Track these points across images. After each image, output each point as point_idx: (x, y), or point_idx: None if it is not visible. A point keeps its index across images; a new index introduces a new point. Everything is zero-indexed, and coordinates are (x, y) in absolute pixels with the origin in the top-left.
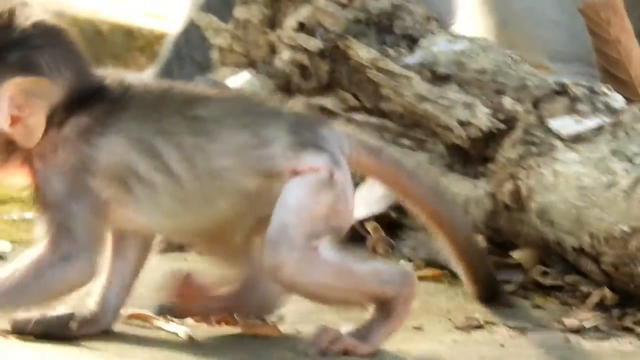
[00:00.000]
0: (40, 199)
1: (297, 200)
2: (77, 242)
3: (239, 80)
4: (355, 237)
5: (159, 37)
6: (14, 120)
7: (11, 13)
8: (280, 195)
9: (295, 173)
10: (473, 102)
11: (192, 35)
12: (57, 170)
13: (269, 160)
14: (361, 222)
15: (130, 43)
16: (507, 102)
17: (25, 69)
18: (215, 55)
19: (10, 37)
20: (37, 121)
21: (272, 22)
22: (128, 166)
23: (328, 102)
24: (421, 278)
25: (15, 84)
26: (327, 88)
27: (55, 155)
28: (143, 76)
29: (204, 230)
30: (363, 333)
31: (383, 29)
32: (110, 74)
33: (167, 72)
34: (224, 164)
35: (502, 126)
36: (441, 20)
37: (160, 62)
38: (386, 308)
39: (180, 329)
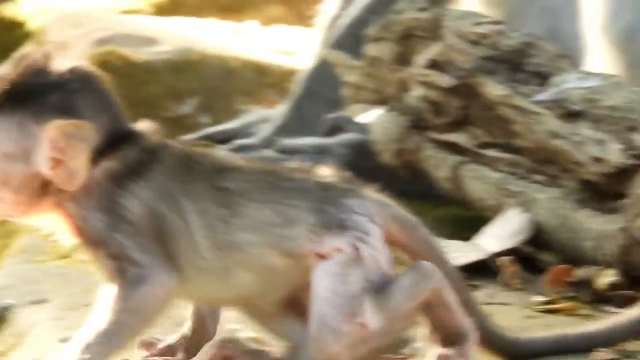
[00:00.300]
0: (86, 241)
1: (326, 290)
2: (140, 263)
3: (370, 117)
4: (487, 270)
5: (289, 74)
6: (55, 163)
7: (47, 57)
8: (312, 286)
9: (319, 256)
10: (605, 139)
11: (323, 72)
12: (92, 210)
13: (292, 241)
14: (494, 256)
15: (260, 79)
16: (639, 138)
17: (64, 112)
18: (346, 92)
19: (48, 81)
20: (79, 164)
21: (403, 59)
22: (157, 215)
23: (460, 138)
24: (556, 311)
25: (56, 126)
26: (458, 124)
27: (87, 198)
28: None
29: (227, 300)
30: (459, 351)
31: (514, 66)
32: (144, 126)
33: (297, 108)
34: (246, 239)
35: (634, 162)
36: (572, 58)
37: (291, 99)
38: (432, 311)
39: None
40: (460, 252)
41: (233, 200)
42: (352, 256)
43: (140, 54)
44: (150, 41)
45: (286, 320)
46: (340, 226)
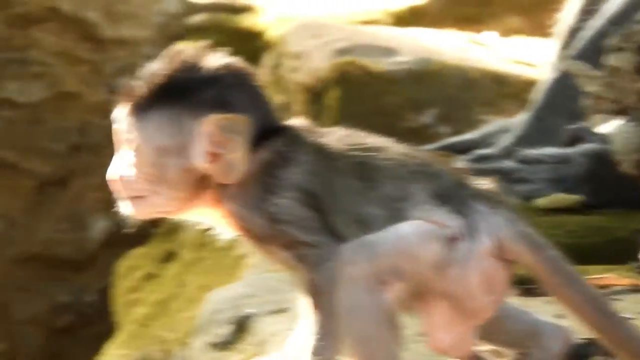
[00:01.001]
0: (253, 237)
1: (406, 231)
2: (314, 243)
3: (610, 127)
4: None
5: (529, 84)
6: (212, 157)
7: (201, 53)
8: None
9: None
10: None
11: (564, 83)
12: (251, 206)
13: (404, 211)
14: None
15: (500, 90)
16: None
17: (219, 107)
18: (586, 102)
19: (203, 76)
20: (237, 157)
21: None
22: (312, 195)
23: None
24: None
25: (213, 120)
26: None
27: (245, 194)
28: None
29: None
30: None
31: None
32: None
33: (538, 119)
34: (371, 212)
35: None
36: None
37: (532, 109)
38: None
39: None
40: None
41: (370, 174)
42: (447, 236)
43: (380, 64)
44: (389, 52)
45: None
46: (455, 210)
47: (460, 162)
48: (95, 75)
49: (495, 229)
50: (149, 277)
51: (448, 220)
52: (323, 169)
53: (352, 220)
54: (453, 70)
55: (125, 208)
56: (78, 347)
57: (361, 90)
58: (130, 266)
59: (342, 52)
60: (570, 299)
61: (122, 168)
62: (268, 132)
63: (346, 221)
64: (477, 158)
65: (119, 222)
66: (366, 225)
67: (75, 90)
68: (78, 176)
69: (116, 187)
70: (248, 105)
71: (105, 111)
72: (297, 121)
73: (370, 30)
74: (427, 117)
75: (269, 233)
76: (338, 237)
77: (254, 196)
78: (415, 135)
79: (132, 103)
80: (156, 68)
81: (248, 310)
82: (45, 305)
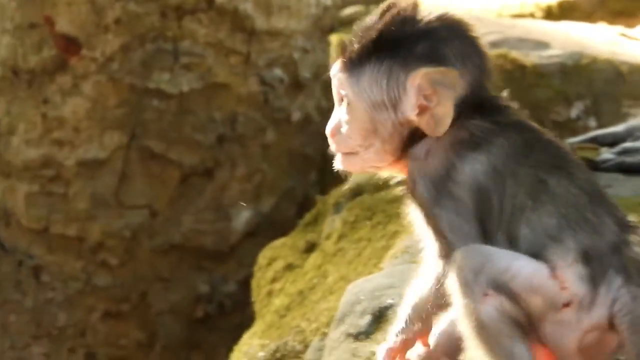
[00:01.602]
0: (417, 204)
1: (522, 267)
2: (451, 243)
3: None
4: None
5: None
6: (421, 110)
7: (415, 6)
8: None
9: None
10: None
11: None
12: (426, 176)
13: (546, 250)
14: None
15: None
16: None
17: (432, 60)
18: None
19: (416, 29)
20: (446, 111)
21: None
22: (484, 191)
23: None
24: None
25: (424, 73)
26: None
27: (426, 160)
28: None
29: None
30: None
31: None
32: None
33: None
34: (523, 233)
35: None
36: None
37: None
38: None
39: None
40: None
41: (541, 197)
42: (563, 292)
43: (531, 57)
44: (541, 45)
45: None
46: (588, 275)
47: (605, 154)
48: (246, 66)
49: (617, 307)
50: (290, 267)
51: (573, 283)
52: (506, 169)
53: (504, 232)
54: (603, 64)
55: (338, 163)
56: (216, 337)
57: (512, 83)
58: (272, 257)
59: (494, 44)
60: None
61: (337, 124)
62: (476, 97)
63: (499, 231)
64: (622, 151)
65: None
66: (512, 244)
67: (225, 81)
68: (223, 167)
69: (331, 143)
70: (463, 60)
71: (254, 103)
72: (502, 97)
73: (522, 23)
74: (575, 110)
75: (426, 207)
76: (484, 238)
77: (433, 168)
78: (564, 128)
79: (345, 59)
80: (369, 23)
81: (388, 301)
82: (184, 296)
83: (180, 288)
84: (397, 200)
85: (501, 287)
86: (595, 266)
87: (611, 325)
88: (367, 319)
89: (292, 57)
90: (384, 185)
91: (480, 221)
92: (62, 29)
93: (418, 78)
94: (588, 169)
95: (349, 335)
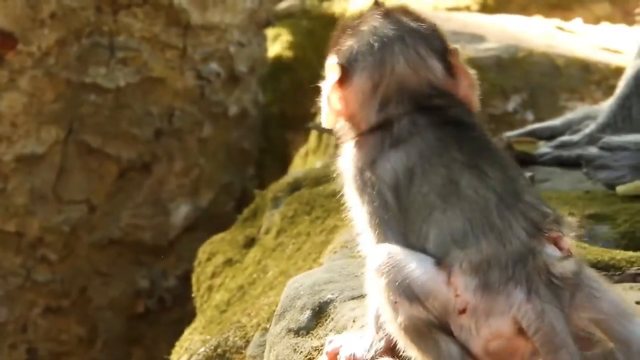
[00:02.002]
0: (345, 191)
1: (430, 272)
2: (376, 237)
3: None
4: None
5: (615, 72)
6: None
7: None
8: None
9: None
10: None
11: None
12: (350, 168)
13: (451, 253)
14: None
15: (586, 77)
16: None
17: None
18: None
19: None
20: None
21: None
22: (401, 185)
23: None
24: None
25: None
26: None
27: (353, 154)
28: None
29: None
30: None
31: None
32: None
33: (623, 106)
34: (431, 236)
35: None
36: None
37: (617, 97)
38: None
39: None
40: None
41: (451, 198)
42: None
43: (467, 51)
44: (476, 38)
45: None
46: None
47: (543, 148)
48: (182, 60)
49: (524, 322)
50: (230, 262)
51: (465, 291)
52: (419, 168)
53: (418, 231)
54: (539, 57)
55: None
56: (157, 332)
57: None
58: (211, 252)
59: None
60: None
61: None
62: (409, 97)
63: (414, 228)
64: (559, 144)
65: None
66: (424, 243)
67: (161, 75)
68: (161, 162)
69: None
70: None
71: (190, 97)
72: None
73: (457, 16)
74: (512, 104)
75: (351, 199)
76: (402, 234)
77: (359, 161)
78: (501, 122)
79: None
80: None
81: (328, 296)
82: (124, 291)
83: (120, 283)
84: (336, 195)
85: (407, 293)
86: (493, 276)
87: (522, 334)
88: (307, 314)
89: (228, 51)
90: (323, 179)
91: (398, 218)
92: None
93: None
94: (512, 166)
95: (289, 330)
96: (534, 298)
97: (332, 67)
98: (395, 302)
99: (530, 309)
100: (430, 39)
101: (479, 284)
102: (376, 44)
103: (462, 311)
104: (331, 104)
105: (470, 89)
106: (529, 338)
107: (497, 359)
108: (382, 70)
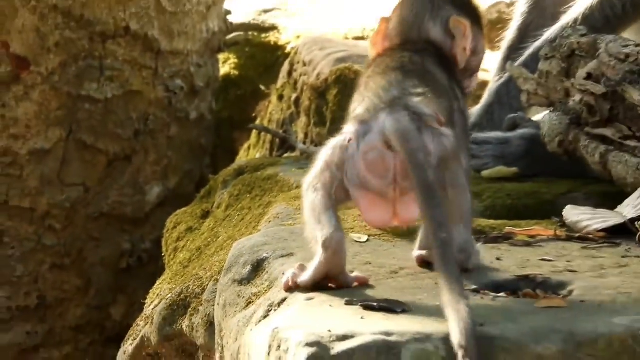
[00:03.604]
0: None
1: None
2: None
3: (541, 116)
4: (627, 232)
5: (482, 85)
6: None
7: None
8: None
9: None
10: None
11: (511, 85)
12: None
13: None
14: (632, 221)
15: None
16: None
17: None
18: (523, 98)
19: None
20: None
21: (567, 73)
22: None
23: (608, 132)
24: None
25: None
26: (607, 122)
27: None
28: None
29: None
30: None
31: None
32: None
33: (488, 112)
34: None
35: None
36: None
37: (483, 104)
38: None
39: None
40: (604, 218)
41: (368, 87)
42: (343, 142)
43: None
44: None
45: None
46: (364, 121)
47: None
48: (154, 78)
49: (387, 130)
50: (190, 230)
51: (350, 129)
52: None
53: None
54: None
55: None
56: (137, 283)
57: (354, 89)
58: (176, 222)
59: (341, 60)
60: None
61: None
62: None
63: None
64: None
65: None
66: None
67: (139, 89)
68: (139, 155)
69: None
70: None
71: (161, 105)
72: None
73: (362, 44)
74: None
75: None
76: None
77: None
78: None
79: None
80: None
81: (264, 255)
82: (112, 252)
83: (108, 246)
84: (270, 178)
85: (320, 168)
86: (369, 113)
87: (389, 147)
88: (248, 268)
89: (190, 70)
90: (260, 167)
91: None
92: (15, 51)
93: None
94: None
95: (234, 281)
96: (395, 116)
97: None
98: (314, 186)
99: (391, 120)
100: (446, 9)
101: (360, 120)
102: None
103: (349, 141)
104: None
105: (460, 50)
106: (394, 148)
107: (374, 171)
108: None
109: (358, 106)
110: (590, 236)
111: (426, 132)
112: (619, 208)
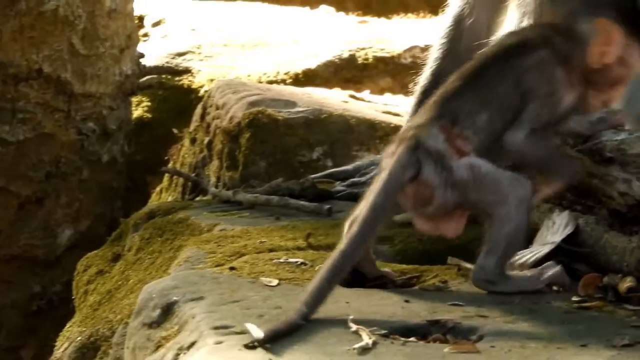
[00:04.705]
0: None
1: None
2: None
3: None
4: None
5: (394, 129)
6: None
7: None
8: None
9: None
10: (630, 178)
11: None
12: None
13: None
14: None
15: (372, 133)
16: None
17: None
18: None
19: None
20: None
21: None
22: None
23: None
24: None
25: None
26: None
27: None
28: None
29: None
30: None
31: None
32: None
33: None
34: None
35: None
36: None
37: None
38: None
39: None
40: (534, 252)
41: None
42: None
43: (282, 113)
44: (289, 103)
45: None
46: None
47: (338, 187)
48: (67, 120)
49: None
50: (101, 273)
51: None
52: None
53: None
54: (337, 118)
55: None
56: (47, 325)
57: (267, 133)
58: (87, 265)
59: (254, 104)
60: None
61: None
62: None
63: None
64: (350, 184)
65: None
66: None
67: (51, 132)
68: (51, 197)
69: None
70: None
71: (73, 148)
72: None
73: (276, 87)
74: (316, 154)
75: None
76: None
77: None
78: (307, 167)
79: None
80: None
81: (173, 298)
82: (23, 294)
83: (19, 288)
84: (182, 222)
85: None
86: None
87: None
88: (157, 312)
89: (102, 113)
90: (172, 210)
91: None
92: None
93: None
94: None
95: (144, 324)
96: (400, 150)
97: None
98: None
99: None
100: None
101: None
102: None
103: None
104: None
105: (596, 51)
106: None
107: (416, 201)
108: None
109: None
110: None
111: (427, 164)
112: (536, 242)
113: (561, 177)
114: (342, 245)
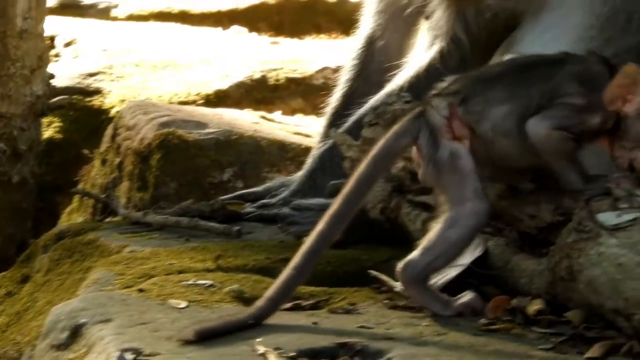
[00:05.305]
0: None
1: None
2: None
3: None
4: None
5: (305, 150)
6: None
7: None
8: None
9: None
10: (540, 200)
11: (335, 152)
12: None
13: None
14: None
15: (283, 154)
16: (566, 201)
17: None
18: (346, 165)
19: None
20: None
21: None
22: None
23: (430, 199)
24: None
25: None
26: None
27: None
28: None
29: None
30: None
31: None
32: None
33: (311, 177)
34: None
35: (561, 218)
36: None
37: (306, 170)
38: None
39: None
40: (445, 272)
41: None
42: None
43: (193, 135)
44: (200, 125)
45: None
46: None
47: (248, 208)
48: None
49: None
50: (10, 294)
51: None
52: None
53: None
54: (248, 139)
55: None
56: None
57: (178, 154)
58: None
59: (164, 125)
60: None
61: None
62: None
63: None
64: (261, 205)
65: None
66: None
67: None
68: None
69: None
70: None
71: None
72: None
73: (187, 108)
74: (226, 175)
75: None
76: None
77: None
78: (218, 188)
79: None
80: None
81: (81, 320)
82: None
83: None
84: (91, 243)
85: None
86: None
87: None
88: (65, 334)
89: (13, 133)
90: (82, 231)
91: None
92: None
93: None
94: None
95: (52, 346)
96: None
97: None
98: None
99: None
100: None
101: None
102: None
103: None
104: None
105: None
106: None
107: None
108: None
109: None
110: (413, 306)
111: (423, 134)
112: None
113: (567, 184)
114: (320, 224)
